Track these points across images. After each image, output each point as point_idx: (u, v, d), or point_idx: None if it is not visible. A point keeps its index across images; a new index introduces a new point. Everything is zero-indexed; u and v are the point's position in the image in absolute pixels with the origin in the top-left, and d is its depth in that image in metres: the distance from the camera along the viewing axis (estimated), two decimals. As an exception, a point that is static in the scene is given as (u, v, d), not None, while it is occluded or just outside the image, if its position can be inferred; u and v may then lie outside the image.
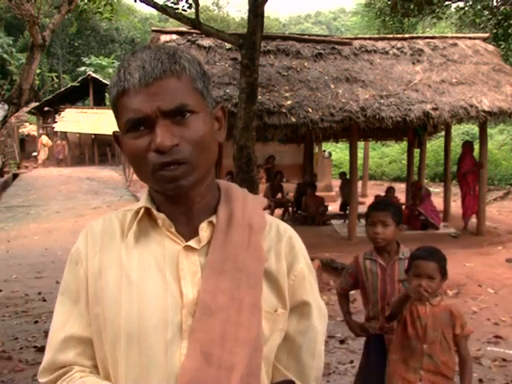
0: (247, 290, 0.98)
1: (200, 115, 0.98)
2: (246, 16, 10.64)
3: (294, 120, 8.26)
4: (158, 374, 0.95)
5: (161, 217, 1.01)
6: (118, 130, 1.04)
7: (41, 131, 25.60)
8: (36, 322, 5.56)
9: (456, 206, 11.38)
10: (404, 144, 14.34)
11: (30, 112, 26.06)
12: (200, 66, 1.03)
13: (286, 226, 1.12)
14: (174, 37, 9.47)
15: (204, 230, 1.02)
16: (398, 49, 10.19)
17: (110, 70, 31.93)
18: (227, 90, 8.35)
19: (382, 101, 8.76)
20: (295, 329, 1.08)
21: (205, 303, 0.96)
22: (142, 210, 1.03)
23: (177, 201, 1.02)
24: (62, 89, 27.20)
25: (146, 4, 7.39)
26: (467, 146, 9.97)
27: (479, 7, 12.53)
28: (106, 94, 29.57)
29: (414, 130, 11.27)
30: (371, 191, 15.05)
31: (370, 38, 10.79)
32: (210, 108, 1.02)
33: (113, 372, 1.00)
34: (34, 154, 25.28)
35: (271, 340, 1.03)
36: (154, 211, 1.02)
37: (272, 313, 1.02)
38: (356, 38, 10.80)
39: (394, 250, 2.84)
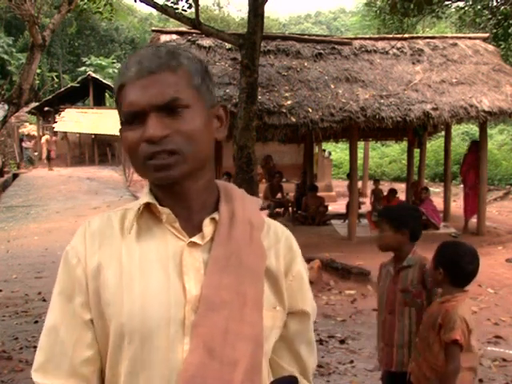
0: (250, 286, 0.99)
1: (194, 109, 0.99)
2: (246, 16, 10.63)
3: (294, 120, 8.26)
4: (159, 370, 0.95)
5: (165, 212, 1.01)
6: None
7: (47, 131, 25.61)
8: (36, 322, 5.55)
9: (456, 206, 11.38)
10: (404, 144, 14.33)
11: (29, 112, 25.99)
12: (201, 64, 1.05)
13: (282, 227, 1.14)
14: (174, 37, 9.48)
15: (207, 226, 1.02)
16: (398, 49, 10.19)
17: (110, 70, 31.92)
18: (227, 90, 8.35)
19: (382, 101, 8.76)
20: (296, 330, 1.10)
21: (208, 299, 0.96)
22: (143, 206, 1.03)
23: (175, 195, 1.02)
24: (62, 89, 27.15)
25: (146, 4, 7.41)
26: (473, 145, 10.05)
27: (479, 7, 12.53)
28: (106, 94, 29.60)
29: (414, 130, 11.27)
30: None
31: (370, 38, 10.80)
32: (207, 104, 1.03)
33: (112, 370, 0.99)
34: (35, 153, 25.26)
35: (271, 337, 1.04)
36: (158, 206, 1.02)
37: (272, 310, 1.03)
38: (356, 38, 10.80)
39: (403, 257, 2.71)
